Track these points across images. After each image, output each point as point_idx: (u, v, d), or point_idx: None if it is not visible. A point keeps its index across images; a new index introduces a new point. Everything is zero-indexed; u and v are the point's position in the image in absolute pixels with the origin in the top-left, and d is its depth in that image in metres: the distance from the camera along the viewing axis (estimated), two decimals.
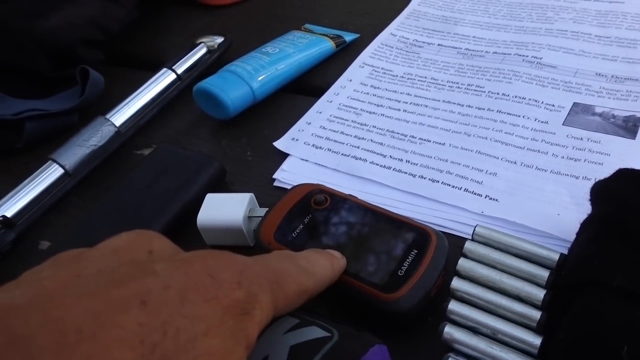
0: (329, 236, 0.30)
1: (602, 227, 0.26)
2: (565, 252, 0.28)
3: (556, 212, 0.33)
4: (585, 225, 0.28)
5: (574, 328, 0.23)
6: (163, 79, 0.49)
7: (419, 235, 0.30)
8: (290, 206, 0.33)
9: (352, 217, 0.31)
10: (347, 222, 0.31)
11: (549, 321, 0.25)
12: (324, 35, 0.52)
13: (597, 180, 0.29)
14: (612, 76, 0.42)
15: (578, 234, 0.28)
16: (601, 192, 0.28)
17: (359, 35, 0.53)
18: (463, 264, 0.28)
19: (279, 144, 0.42)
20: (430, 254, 0.29)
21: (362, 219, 0.31)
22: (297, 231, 0.31)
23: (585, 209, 0.30)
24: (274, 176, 0.40)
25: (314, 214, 0.32)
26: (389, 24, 0.55)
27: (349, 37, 0.53)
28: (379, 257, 0.29)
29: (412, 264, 0.28)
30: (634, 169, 0.28)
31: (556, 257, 0.28)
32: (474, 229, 0.30)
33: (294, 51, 0.49)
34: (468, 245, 0.29)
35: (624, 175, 0.27)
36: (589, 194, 0.29)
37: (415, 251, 0.29)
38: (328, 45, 0.51)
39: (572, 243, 0.28)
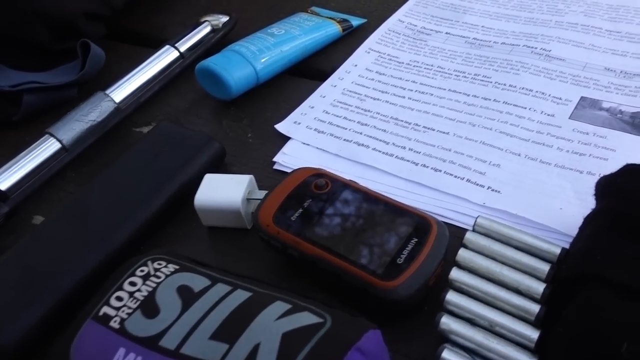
0: (328, 221, 0.30)
1: (607, 222, 0.26)
2: (567, 246, 0.28)
3: (559, 206, 0.33)
4: (589, 219, 0.27)
5: (574, 323, 0.22)
6: (165, 56, 0.48)
7: (419, 224, 0.29)
8: (290, 189, 0.32)
9: (353, 202, 0.31)
10: (347, 207, 0.30)
11: (547, 315, 0.25)
12: (330, 18, 0.51)
13: (602, 175, 0.29)
14: (621, 71, 0.42)
15: (581, 228, 0.28)
16: (607, 187, 0.27)
17: (366, 20, 0.52)
18: (463, 254, 0.28)
19: (281, 127, 0.42)
20: (431, 242, 0.28)
21: (362, 205, 0.30)
22: (297, 215, 0.30)
23: (588, 204, 0.29)
24: (274, 159, 0.39)
25: (314, 198, 0.31)
26: (396, 9, 0.54)
27: (356, 21, 0.52)
28: (378, 244, 0.28)
29: (412, 253, 0.28)
30: None
31: (557, 251, 0.27)
32: (476, 220, 0.30)
33: (300, 33, 0.48)
34: (469, 235, 0.29)
35: (630, 171, 0.27)
36: (594, 188, 0.29)
37: (416, 239, 0.28)
38: (334, 29, 0.50)
39: (574, 237, 0.28)
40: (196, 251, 0.34)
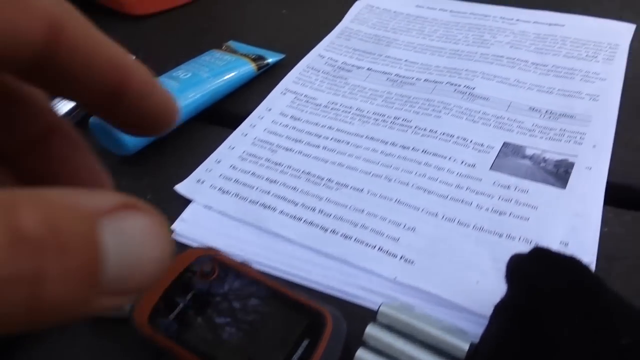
0: (209, 321, 0.26)
1: (514, 318, 0.23)
2: (480, 330, 0.25)
3: (475, 279, 0.29)
4: (498, 310, 0.24)
5: None
6: (60, 107, 0.43)
7: (313, 320, 0.26)
8: (173, 277, 0.28)
9: (240, 295, 0.27)
10: (232, 302, 0.27)
11: None
12: (245, 55, 0.47)
13: (514, 254, 0.26)
14: (546, 111, 0.39)
15: (491, 319, 0.25)
16: (515, 271, 0.24)
17: (284, 55, 0.49)
18: (361, 355, 0.25)
19: (181, 188, 0.37)
20: (324, 343, 0.25)
21: (250, 298, 0.27)
22: (176, 312, 0.27)
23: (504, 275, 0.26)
24: (172, 227, 0.35)
25: (198, 289, 0.27)
26: (319, 42, 0.50)
27: (272, 58, 0.48)
28: (264, 351, 0.25)
29: (302, 357, 0.24)
30: (549, 249, 0.24)
31: (466, 347, 0.24)
32: (378, 309, 0.26)
33: (209, 76, 0.44)
34: (369, 330, 0.25)
35: (538, 256, 0.24)
36: (505, 269, 0.26)
37: (308, 340, 0.25)
38: (249, 68, 0.46)
39: (483, 331, 0.25)
40: (74, 349, 0.29)
